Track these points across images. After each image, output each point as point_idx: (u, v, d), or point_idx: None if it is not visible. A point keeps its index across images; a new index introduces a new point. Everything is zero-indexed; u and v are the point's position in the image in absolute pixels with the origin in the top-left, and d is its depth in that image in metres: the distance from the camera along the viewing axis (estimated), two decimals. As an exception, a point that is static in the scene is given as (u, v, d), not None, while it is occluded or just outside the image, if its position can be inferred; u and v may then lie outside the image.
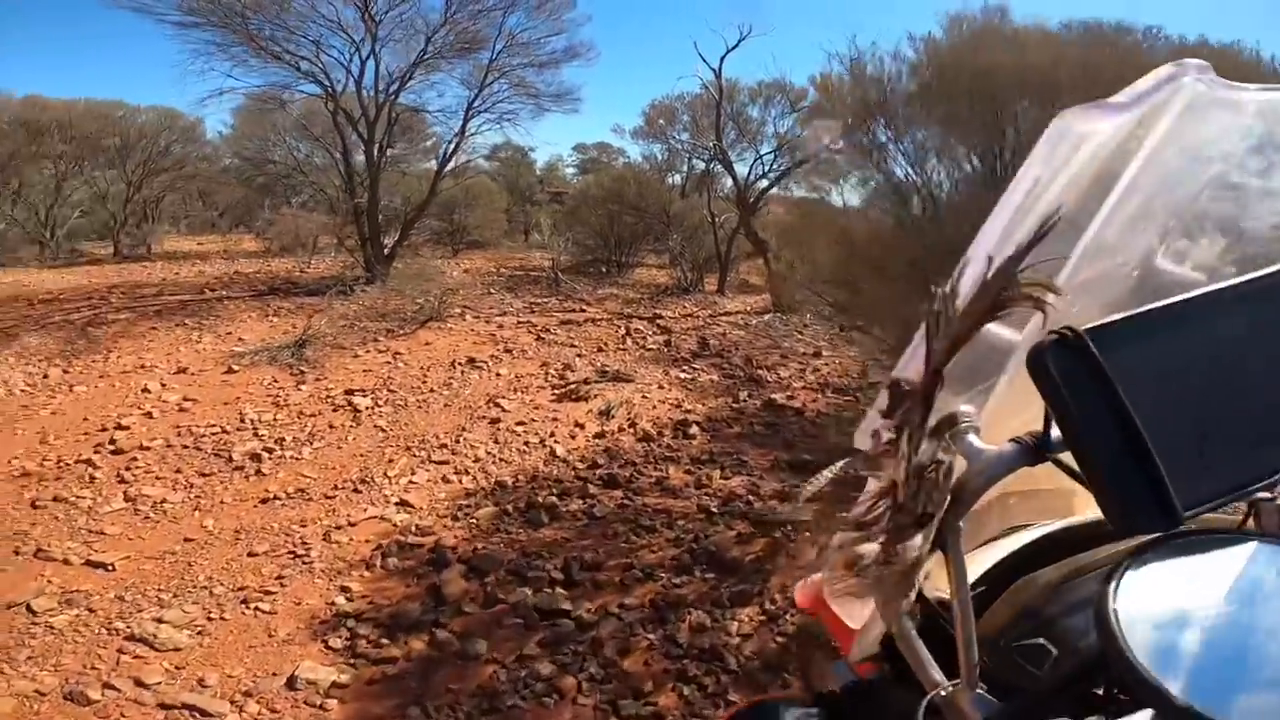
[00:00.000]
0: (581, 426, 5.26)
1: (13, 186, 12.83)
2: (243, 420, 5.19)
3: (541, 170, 21.79)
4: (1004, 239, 0.66)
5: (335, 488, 4.34)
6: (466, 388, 6.09)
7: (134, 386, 5.73)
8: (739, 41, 11.22)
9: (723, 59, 11.39)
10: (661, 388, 6.17)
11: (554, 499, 4.18)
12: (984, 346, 0.60)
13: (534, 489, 4.33)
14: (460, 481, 4.45)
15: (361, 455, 4.77)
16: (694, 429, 5.22)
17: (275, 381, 5.99)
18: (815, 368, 6.97)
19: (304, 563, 3.56)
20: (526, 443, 5.00)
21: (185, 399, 5.49)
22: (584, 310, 9.18)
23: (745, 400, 5.85)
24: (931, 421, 0.56)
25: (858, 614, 0.81)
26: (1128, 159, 0.67)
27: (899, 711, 0.67)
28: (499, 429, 5.26)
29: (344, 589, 3.37)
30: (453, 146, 10.68)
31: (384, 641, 3.04)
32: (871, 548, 0.58)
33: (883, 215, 5.17)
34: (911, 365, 0.61)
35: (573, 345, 7.49)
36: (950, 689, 0.60)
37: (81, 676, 2.78)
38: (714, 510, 4.17)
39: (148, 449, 4.71)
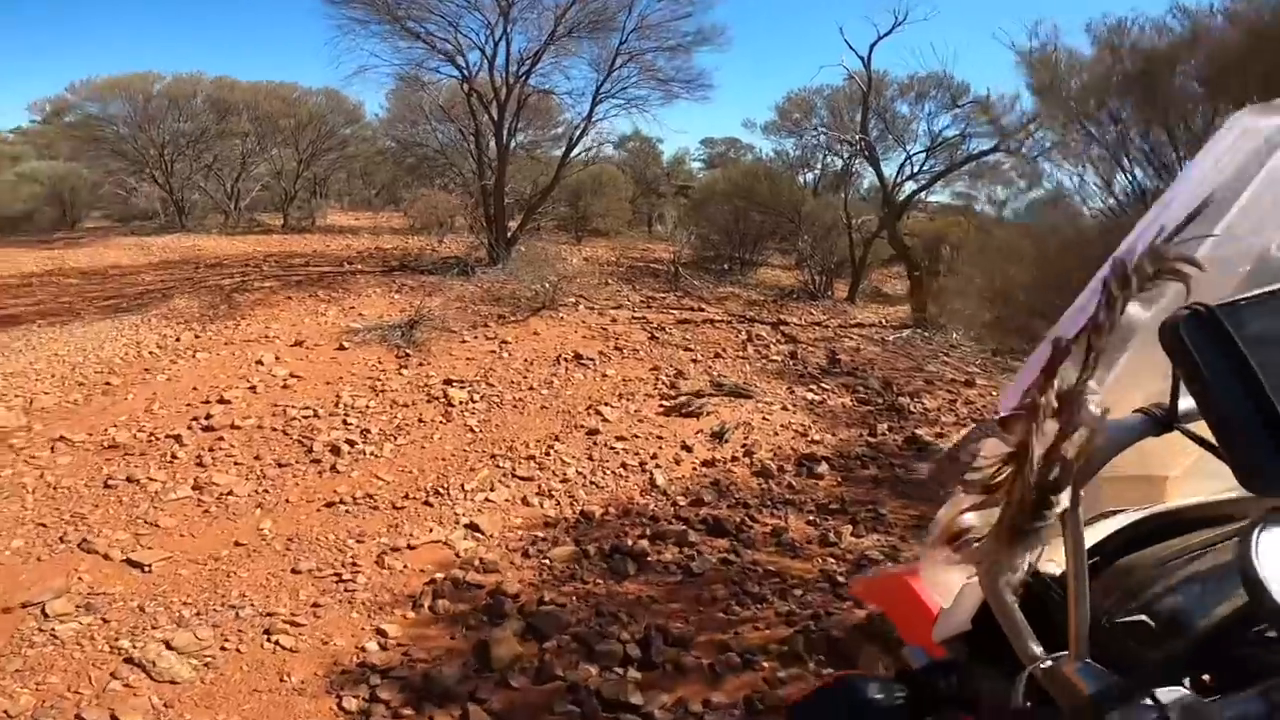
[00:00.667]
0: (689, 449, 4.38)
1: (205, 160, 13.80)
2: (337, 404, 4.78)
3: (669, 163, 20.95)
4: (1170, 216, 0.61)
5: (406, 496, 3.75)
6: (568, 388, 5.39)
7: (250, 357, 5.53)
8: (893, 28, 9.70)
9: (872, 47, 9.91)
10: (785, 409, 5.14)
11: (645, 542, 3.33)
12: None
13: (623, 526, 3.51)
14: (541, 506, 3.71)
15: (443, 459, 4.17)
16: (822, 466, 4.18)
17: (379, 363, 5.59)
18: (968, 399, 5.65)
19: (347, 590, 2.94)
20: (624, 464, 4.19)
21: (292, 375, 5.18)
22: (703, 309, 8.26)
23: (884, 434, 4.71)
24: (1061, 389, 0.52)
25: (949, 590, 0.77)
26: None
27: (989, 687, 0.67)
28: (596, 443, 4.48)
29: (380, 631, 2.71)
30: (579, 131, 10.03)
31: (406, 712, 2.35)
32: (980, 518, 0.55)
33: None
34: (1073, 326, 0.56)
35: (688, 348, 6.60)
36: (1052, 661, 0.57)
37: (60, 701, 2.31)
38: (840, 579, 3.17)
39: (238, 428, 4.37)
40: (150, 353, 5.60)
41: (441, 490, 3.82)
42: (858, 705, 0.80)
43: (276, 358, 5.54)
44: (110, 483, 3.71)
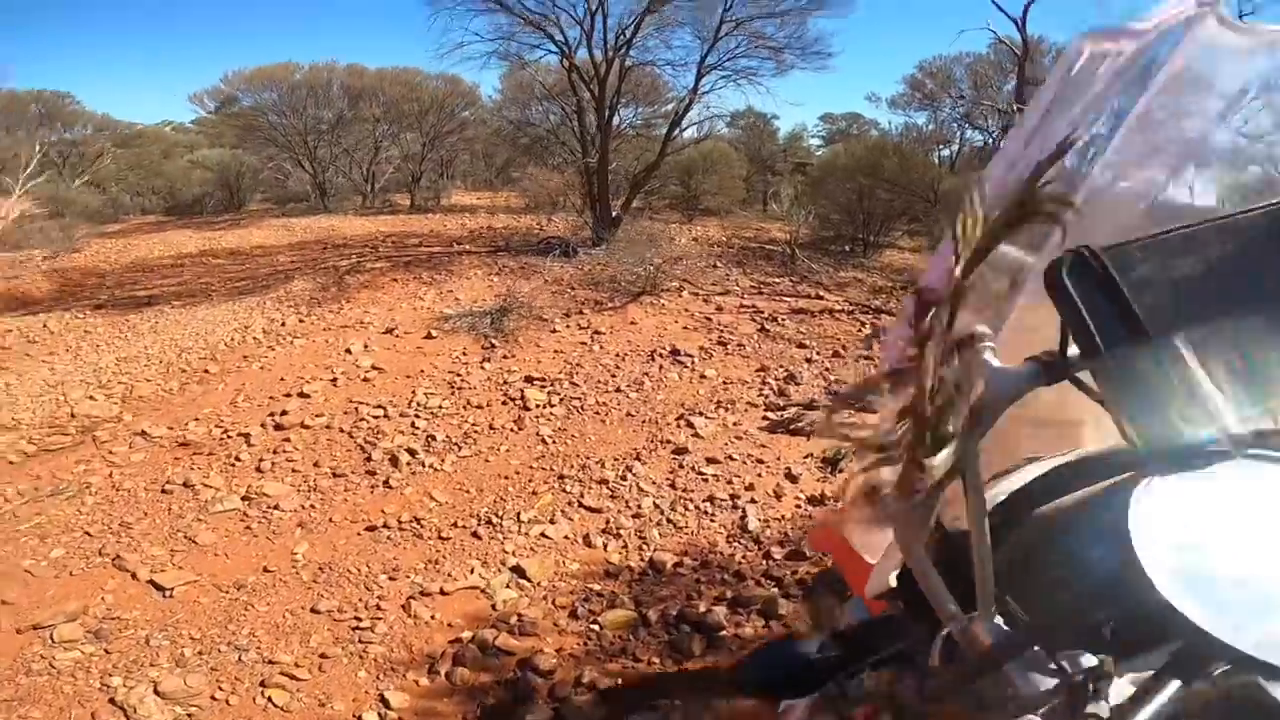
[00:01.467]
0: (793, 479, 3.53)
1: (343, 145, 14.34)
2: (410, 402, 4.38)
3: (785, 139, 19.37)
4: (1022, 156, 0.63)
5: (455, 524, 3.22)
6: (660, 390, 4.68)
7: (341, 345, 5.31)
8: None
9: (1027, 7, 8.18)
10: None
11: (722, 609, 2.56)
12: (998, 267, 0.56)
13: (698, 583, 2.75)
14: (605, 548, 3.03)
15: (506, 478, 3.62)
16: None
17: (464, 355, 5.17)
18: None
19: (362, 641, 2.43)
20: (712, 497, 3.42)
21: (374, 366, 4.88)
22: (821, 297, 7.20)
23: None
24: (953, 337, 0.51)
25: (875, 548, 0.79)
26: (1142, 87, 0.62)
27: (912, 645, 0.68)
28: (683, 465, 3.73)
29: (384, 700, 2.17)
30: (685, 105, 9.09)
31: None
32: (891, 472, 0.54)
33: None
34: (935, 275, 0.59)
35: (802, 344, 5.65)
36: (967, 620, 0.57)
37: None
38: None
39: (307, 428, 4.07)
40: (254, 338, 5.55)
41: (495, 519, 3.26)
42: (788, 661, 0.83)
43: (365, 346, 5.28)
44: (168, 487, 3.50)
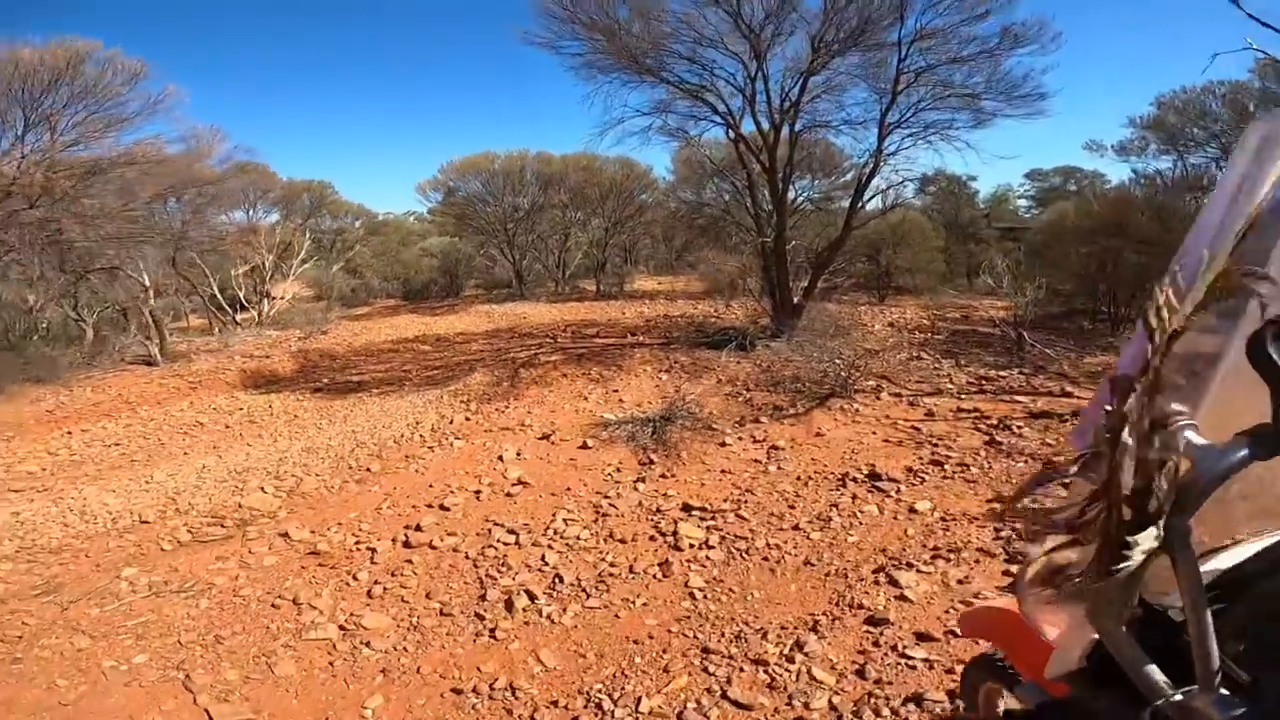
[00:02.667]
0: None
1: (537, 231, 15.19)
2: (547, 528, 3.71)
3: (986, 202, 17.02)
4: (1218, 234, 0.57)
5: (555, 704, 2.34)
6: (852, 530, 3.51)
7: (496, 451, 4.90)
8: None
9: None
10: None
11: None
12: (1193, 348, 0.54)
13: None
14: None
15: (636, 643, 2.69)
16: None
17: (617, 470, 4.45)
18: None
19: None
20: (919, 695, 2.18)
21: (521, 480, 4.34)
22: (1067, 393, 5.48)
23: None
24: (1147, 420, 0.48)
25: (1055, 627, 0.73)
26: None
27: None
28: (878, 643, 2.55)
29: None
30: (869, 169, 7.92)
31: None
32: (1077, 554, 0.52)
33: None
34: (1132, 359, 0.53)
35: (1051, 460, 4.15)
36: (1183, 695, 0.52)
37: None
38: None
39: (435, 549, 3.55)
40: (421, 436, 5.38)
41: (607, 701, 2.35)
42: None
43: (518, 454, 4.81)
44: (278, 601, 3.13)
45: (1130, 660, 0.56)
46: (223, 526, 3.90)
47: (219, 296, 12.97)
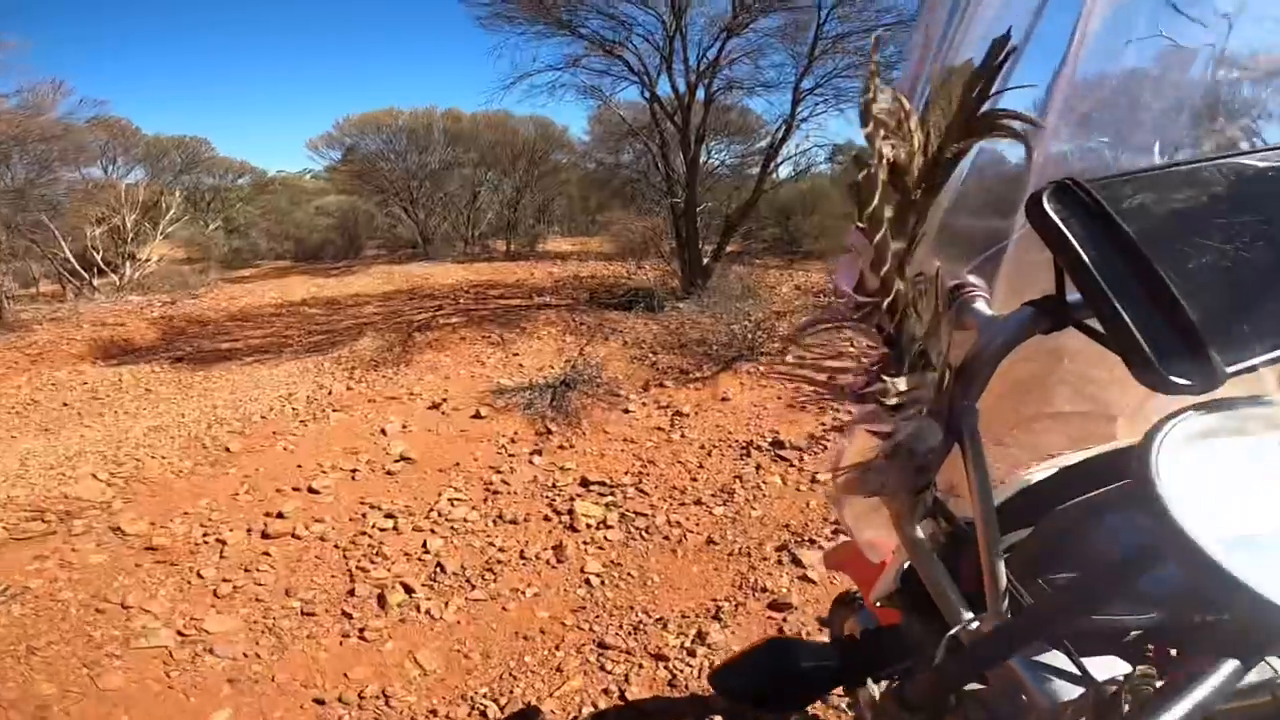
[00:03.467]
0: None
1: (444, 190, 14.25)
2: (431, 509, 3.35)
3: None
4: (944, 47, 0.52)
5: (434, 713, 2.09)
6: (756, 505, 3.39)
7: (379, 423, 4.44)
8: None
9: None
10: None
11: None
12: (984, 214, 0.51)
13: None
14: None
15: (526, 639, 2.43)
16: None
17: (512, 443, 4.12)
18: None
19: None
20: None
21: (405, 455, 3.92)
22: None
23: None
24: (937, 285, 0.44)
25: (879, 548, 0.71)
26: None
27: (916, 651, 0.59)
28: (781, 630, 2.46)
29: None
30: (781, 134, 7.82)
31: None
32: (875, 439, 0.47)
33: None
34: (867, 168, 0.43)
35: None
36: (975, 620, 0.49)
37: None
38: None
39: (299, 539, 3.12)
40: (294, 409, 4.81)
41: (494, 707, 2.11)
42: (781, 668, 0.69)
43: (404, 426, 4.37)
44: (103, 606, 2.65)
45: (928, 577, 0.54)
46: (43, 521, 3.28)
47: (71, 260, 11.34)
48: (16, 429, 4.82)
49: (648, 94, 7.57)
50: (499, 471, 3.72)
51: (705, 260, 7.75)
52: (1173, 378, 0.35)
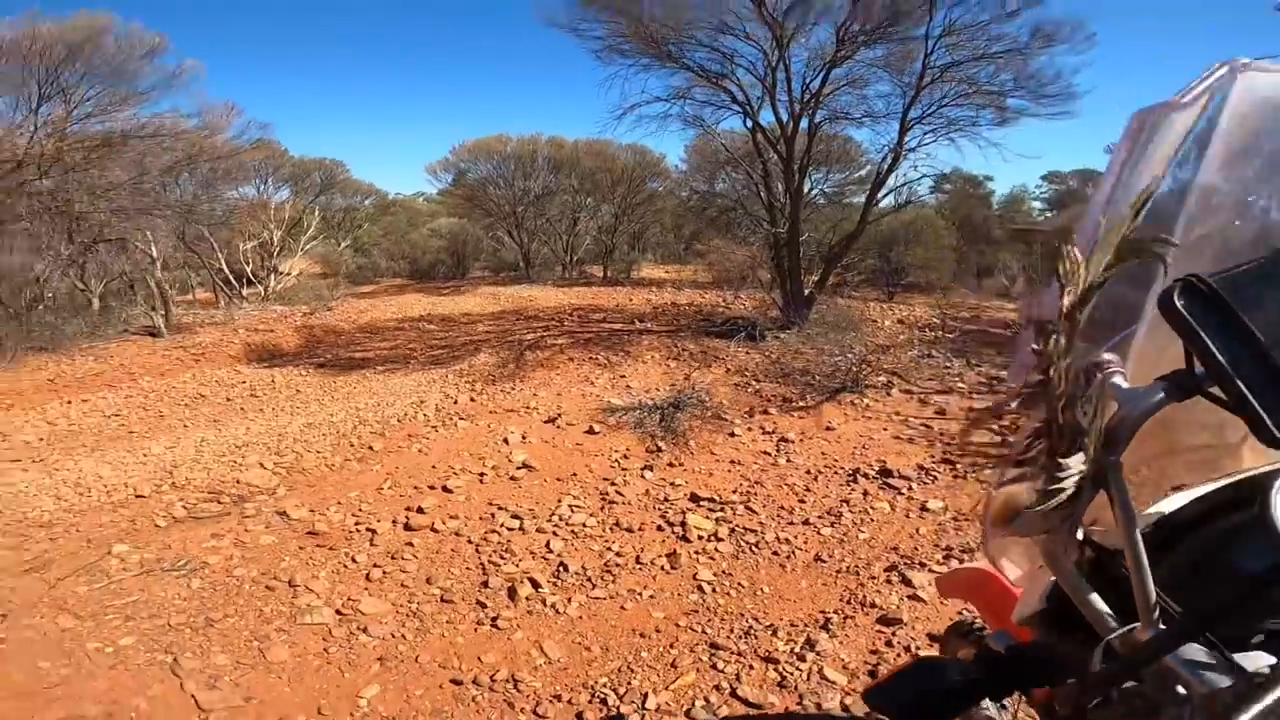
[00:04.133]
0: None
1: (546, 216, 14.97)
2: (552, 514, 3.56)
3: (1001, 203, 16.74)
4: (1109, 204, 0.66)
5: (558, 698, 2.22)
6: (864, 528, 3.38)
7: (501, 433, 4.76)
8: None
9: None
10: None
11: None
12: (1116, 304, 0.60)
13: None
14: None
15: (643, 636, 2.55)
16: None
17: (625, 458, 4.31)
18: None
19: None
20: None
21: (526, 464, 4.19)
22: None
23: None
24: (1078, 365, 0.53)
25: (1019, 573, 0.76)
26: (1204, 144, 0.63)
27: (1067, 664, 0.64)
28: (890, 643, 2.41)
29: None
30: (887, 165, 7.70)
31: None
32: (1029, 486, 0.56)
33: None
34: (1045, 306, 0.56)
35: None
36: (1125, 629, 0.56)
37: None
38: None
39: (437, 532, 3.41)
40: (424, 415, 5.24)
41: (613, 697, 2.23)
42: (928, 685, 0.75)
43: (524, 437, 4.66)
44: (273, 583, 2.99)
45: (1080, 597, 0.60)
46: (219, 503, 3.77)
47: (225, 270, 12.82)
48: (188, 419, 5.52)
49: (750, 123, 7.72)
50: (613, 483, 3.90)
51: (807, 290, 7.74)
52: None
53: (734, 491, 3.82)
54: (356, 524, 3.51)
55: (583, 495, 3.78)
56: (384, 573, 3.08)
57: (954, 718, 0.77)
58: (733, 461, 4.22)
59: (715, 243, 10.73)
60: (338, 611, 2.82)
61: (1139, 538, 0.54)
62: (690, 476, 4.01)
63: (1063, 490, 0.54)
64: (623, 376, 6.06)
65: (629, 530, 3.41)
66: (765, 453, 4.36)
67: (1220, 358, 0.47)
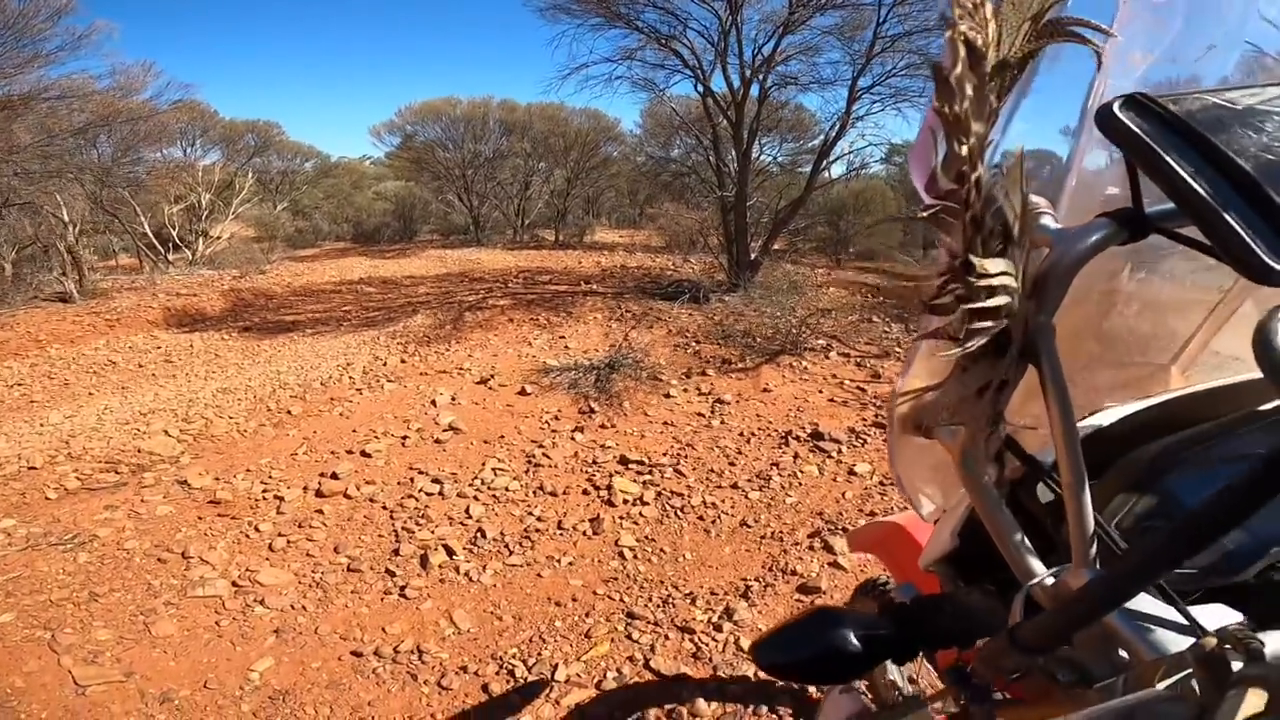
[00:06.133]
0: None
1: (497, 179, 14.47)
2: (475, 477, 3.43)
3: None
4: None
5: (464, 669, 2.12)
6: (791, 491, 3.35)
7: (429, 395, 4.56)
8: None
9: None
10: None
11: None
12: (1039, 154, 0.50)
13: None
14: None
15: (558, 604, 2.47)
16: None
17: (556, 419, 4.18)
18: None
19: None
20: None
21: (453, 426, 4.02)
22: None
23: None
24: (1016, 169, 0.41)
25: (932, 508, 0.67)
26: None
27: (979, 619, 0.54)
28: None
29: None
30: (835, 132, 7.63)
31: None
32: (941, 346, 0.43)
33: None
34: (944, 57, 0.41)
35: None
36: (1054, 576, 0.45)
37: None
38: None
39: (350, 499, 3.24)
40: (350, 378, 4.98)
41: (522, 666, 2.16)
42: (827, 641, 0.60)
43: (453, 398, 4.48)
44: (165, 556, 2.80)
45: (996, 527, 0.49)
46: (116, 473, 3.49)
47: (149, 235, 11.99)
48: (94, 387, 5.13)
49: (701, 88, 7.50)
50: (541, 446, 3.78)
51: (753, 255, 7.66)
52: (1276, 263, 0.35)
53: (664, 454, 3.74)
54: (264, 491, 3.30)
55: (508, 458, 3.65)
56: (288, 542, 2.90)
57: (854, 679, 0.65)
58: (666, 423, 4.14)
59: (666, 207, 10.54)
60: (234, 583, 2.64)
61: (1076, 437, 0.42)
62: (621, 439, 3.91)
63: (985, 325, 0.41)
64: (562, 338, 5.90)
65: (553, 494, 3.30)
66: (700, 414, 4.29)
67: (1188, 178, 0.37)
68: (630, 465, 3.58)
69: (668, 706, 2.00)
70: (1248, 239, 0.35)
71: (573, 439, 3.89)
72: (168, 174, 13.38)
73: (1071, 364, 0.53)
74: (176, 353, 6.07)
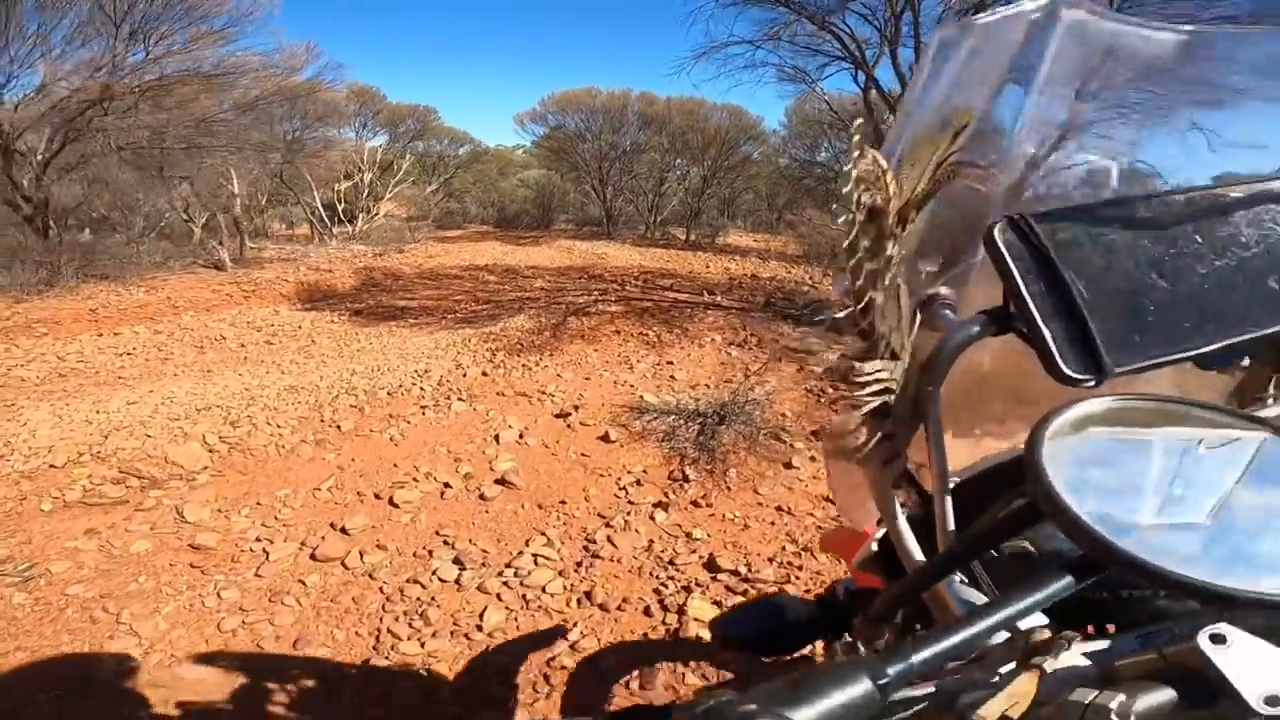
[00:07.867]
0: None
1: (633, 173, 13.73)
2: (511, 564, 2.47)
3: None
4: (916, 126, 0.65)
5: None
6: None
7: (495, 426, 3.75)
8: None
9: None
10: None
11: None
12: (954, 241, 0.59)
13: None
14: None
15: None
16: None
17: (637, 485, 3.15)
18: None
19: None
20: None
21: (505, 480, 3.15)
22: None
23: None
24: (910, 300, 0.53)
25: (860, 514, 0.79)
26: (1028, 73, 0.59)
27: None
28: None
29: None
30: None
31: None
32: (855, 415, 0.55)
33: None
34: (854, 177, 0.52)
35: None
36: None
37: None
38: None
39: (346, 569, 2.43)
40: (420, 389, 4.32)
41: None
42: (769, 618, 0.82)
43: (521, 435, 3.62)
44: (99, 614, 2.16)
45: (896, 535, 0.58)
46: (126, 486, 3.01)
47: (319, 209, 12.71)
48: (186, 367, 4.87)
49: (863, 79, 6.06)
50: (609, 525, 2.79)
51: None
52: (1069, 371, 0.45)
53: (771, 559, 2.60)
54: (257, 539, 2.62)
55: (561, 539, 2.69)
56: (243, 624, 2.16)
57: (791, 653, 0.79)
58: (780, 509, 2.97)
59: (809, 214, 9.12)
60: (148, 673, 1.93)
61: (945, 464, 0.53)
62: (716, 527, 2.82)
63: (868, 401, 0.53)
64: (670, 363, 4.88)
65: (603, 608, 2.30)
66: (830, 500, 3.08)
67: (1025, 294, 0.47)
68: (720, 574, 2.49)
69: None
70: (1053, 349, 0.45)
71: (652, 519, 2.86)
72: (341, 154, 14.24)
73: (989, 416, 0.68)
74: (281, 334, 5.86)
